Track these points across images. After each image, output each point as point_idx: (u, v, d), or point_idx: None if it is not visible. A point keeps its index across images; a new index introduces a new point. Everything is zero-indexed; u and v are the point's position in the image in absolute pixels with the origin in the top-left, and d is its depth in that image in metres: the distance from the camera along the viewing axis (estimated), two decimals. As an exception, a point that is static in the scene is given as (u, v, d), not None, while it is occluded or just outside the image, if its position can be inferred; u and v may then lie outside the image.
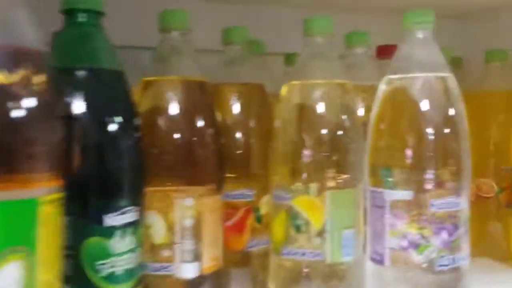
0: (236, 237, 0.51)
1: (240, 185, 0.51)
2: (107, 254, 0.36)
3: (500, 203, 0.72)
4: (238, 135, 0.52)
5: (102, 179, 0.36)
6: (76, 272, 0.35)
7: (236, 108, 0.53)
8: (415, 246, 0.45)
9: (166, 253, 0.43)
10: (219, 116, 0.50)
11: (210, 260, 0.44)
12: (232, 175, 0.51)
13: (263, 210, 0.52)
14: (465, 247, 0.46)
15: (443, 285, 0.45)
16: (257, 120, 0.52)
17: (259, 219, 0.52)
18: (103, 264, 0.35)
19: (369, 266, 0.48)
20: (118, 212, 0.36)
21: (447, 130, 0.47)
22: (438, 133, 0.46)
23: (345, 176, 0.48)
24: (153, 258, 0.43)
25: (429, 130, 0.46)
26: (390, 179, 0.47)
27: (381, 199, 0.47)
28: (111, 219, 0.36)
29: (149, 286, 0.43)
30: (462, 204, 0.46)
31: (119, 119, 0.37)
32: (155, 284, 0.43)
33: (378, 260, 0.47)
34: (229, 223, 0.51)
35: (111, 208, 0.36)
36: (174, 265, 0.43)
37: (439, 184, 0.45)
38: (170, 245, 0.43)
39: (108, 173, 0.36)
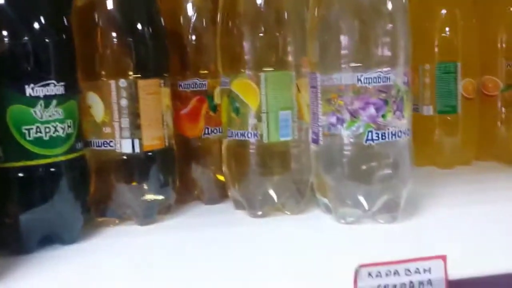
0: (191, 125, 0.55)
1: (193, 76, 0.54)
2: (31, 120, 0.41)
3: (506, 101, 0.69)
4: (191, 27, 0.54)
5: (25, 52, 0.40)
6: (5, 135, 0.40)
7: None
8: (343, 122, 0.46)
9: (107, 130, 0.47)
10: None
11: (150, 139, 0.48)
12: (186, 66, 0.54)
13: (217, 100, 0.54)
14: (398, 123, 0.46)
15: (373, 158, 0.46)
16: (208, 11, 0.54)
17: (213, 108, 0.55)
18: (28, 129, 0.41)
19: (311, 148, 0.50)
20: (40, 84, 0.41)
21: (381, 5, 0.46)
22: (373, 11, 0.46)
23: (280, 59, 0.49)
24: (96, 135, 0.48)
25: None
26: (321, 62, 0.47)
27: (315, 79, 0.48)
28: (33, 90, 0.41)
29: (94, 161, 0.48)
30: (393, 79, 0.45)
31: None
32: (99, 159, 0.48)
33: (314, 140, 0.49)
34: (184, 111, 0.54)
35: (33, 80, 0.41)
36: (115, 141, 0.47)
37: (369, 59, 0.45)
38: (109, 123, 0.47)
39: (31, 44, 0.41)
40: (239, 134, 0.50)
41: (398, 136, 0.46)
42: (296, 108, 0.50)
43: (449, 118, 0.68)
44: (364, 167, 0.46)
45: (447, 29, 0.67)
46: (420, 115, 0.69)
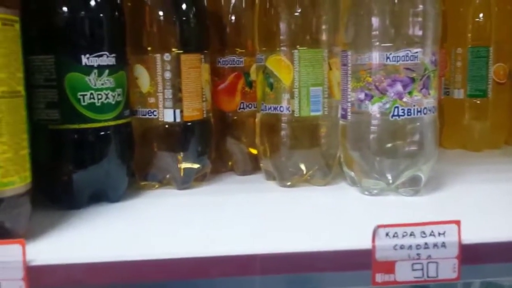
0: (228, 99, 0.58)
1: (231, 53, 0.58)
2: (86, 87, 0.45)
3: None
4: (231, 8, 0.58)
5: (82, 26, 0.45)
6: (61, 99, 0.45)
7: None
8: (370, 97, 0.48)
9: (151, 100, 0.52)
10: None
11: (191, 110, 0.52)
12: (225, 44, 0.58)
13: (254, 76, 0.58)
14: (424, 101, 0.48)
15: (398, 134, 0.49)
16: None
17: (249, 84, 0.58)
18: (83, 95, 0.45)
19: (340, 123, 0.53)
20: (94, 55, 0.45)
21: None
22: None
23: (313, 37, 0.52)
24: (142, 104, 0.52)
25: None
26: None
27: (346, 58, 0.50)
28: (88, 60, 0.45)
29: (139, 129, 0.53)
30: (421, 58, 0.47)
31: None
32: (143, 127, 0.53)
33: (343, 115, 0.51)
34: (222, 86, 0.58)
35: (89, 50, 0.45)
36: (158, 110, 0.52)
37: (398, 39, 0.47)
38: (154, 93, 0.51)
39: (88, 19, 0.45)
40: (272, 108, 0.53)
41: (424, 113, 0.48)
42: (327, 85, 0.53)
43: (479, 102, 0.69)
44: (389, 142, 0.49)
45: (480, 14, 0.68)
46: (451, 98, 0.70)
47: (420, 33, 0.47)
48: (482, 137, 0.70)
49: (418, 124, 0.49)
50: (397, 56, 0.47)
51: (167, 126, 0.52)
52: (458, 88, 0.70)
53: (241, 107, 0.59)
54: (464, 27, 0.69)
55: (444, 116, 0.70)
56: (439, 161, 0.53)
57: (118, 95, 0.48)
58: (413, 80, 0.48)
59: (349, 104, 0.50)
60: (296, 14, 0.52)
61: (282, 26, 0.52)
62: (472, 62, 0.69)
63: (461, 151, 0.71)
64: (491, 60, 0.68)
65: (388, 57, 0.47)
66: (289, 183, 0.54)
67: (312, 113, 0.52)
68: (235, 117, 0.59)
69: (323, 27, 0.52)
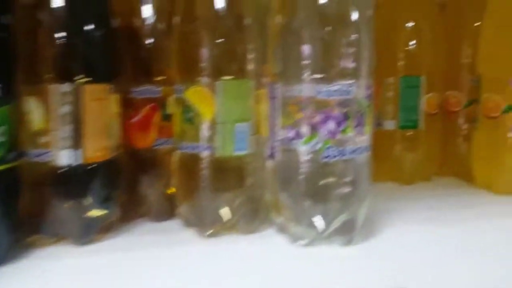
0: (142, 134, 0.51)
1: (147, 82, 0.51)
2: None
3: (468, 117, 0.68)
4: (149, 30, 0.51)
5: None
6: None
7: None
8: (301, 136, 0.43)
9: (44, 139, 0.43)
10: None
11: (94, 150, 0.44)
12: (140, 71, 0.51)
13: (171, 108, 0.51)
14: (358, 140, 0.44)
15: (330, 176, 0.43)
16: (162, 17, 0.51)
17: (166, 117, 0.51)
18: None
19: (267, 164, 0.47)
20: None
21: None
22: (337, 20, 0.43)
23: (239, 67, 0.46)
24: (33, 144, 0.43)
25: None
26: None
27: (275, 90, 0.45)
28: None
29: (31, 172, 0.44)
30: (355, 92, 0.43)
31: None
32: (35, 171, 0.44)
33: (271, 155, 0.46)
34: (135, 119, 0.51)
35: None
36: (52, 152, 0.43)
37: (330, 70, 0.43)
38: (48, 131, 0.43)
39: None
40: (191, 147, 0.47)
41: (358, 153, 0.44)
42: (254, 120, 0.47)
43: (410, 133, 0.67)
44: (320, 185, 0.44)
45: (411, 42, 0.66)
46: (382, 130, 0.67)
47: (353, 64, 0.43)
48: (413, 169, 0.68)
49: (351, 165, 0.44)
50: (329, 90, 0.42)
51: (64, 170, 0.43)
52: (389, 119, 0.67)
53: (157, 143, 0.51)
54: (395, 55, 0.66)
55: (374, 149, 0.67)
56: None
57: (1, 134, 0.39)
58: (347, 116, 0.43)
59: (278, 143, 0.45)
60: (220, 40, 0.46)
61: (204, 53, 0.45)
62: (403, 92, 0.66)
63: (392, 184, 0.68)
64: (423, 90, 0.66)
65: (319, 91, 0.42)
66: (210, 232, 0.47)
67: (237, 152, 0.46)
68: (150, 155, 0.52)
69: (250, 55, 0.46)
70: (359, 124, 0.43)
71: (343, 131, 0.43)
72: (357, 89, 0.43)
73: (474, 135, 0.65)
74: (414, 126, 0.66)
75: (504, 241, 0.47)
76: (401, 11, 0.66)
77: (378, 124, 0.67)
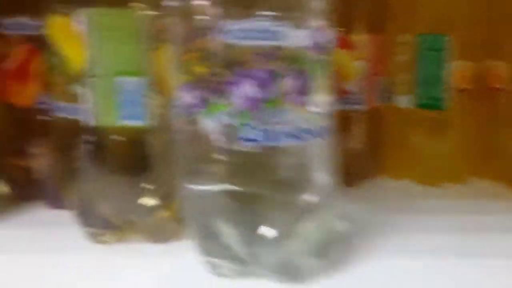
0: (18, 86, 0.36)
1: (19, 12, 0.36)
2: None
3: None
4: None
5: None
6: None
7: None
8: (204, 102, 0.27)
9: None
10: None
11: None
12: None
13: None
14: (299, 115, 0.26)
15: (255, 173, 0.27)
16: None
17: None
18: None
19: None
20: None
21: None
22: None
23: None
24: None
25: None
26: None
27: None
28: None
29: None
30: (290, 37, 0.25)
31: None
32: None
33: (174, 130, 0.30)
34: (7, 65, 0.36)
35: None
36: None
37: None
38: None
39: None
40: (63, 109, 0.32)
41: (299, 137, 0.27)
42: (153, 75, 0.31)
43: (433, 115, 0.48)
44: (242, 184, 0.28)
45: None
46: (394, 107, 0.49)
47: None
48: (438, 165, 0.49)
49: (292, 157, 0.27)
50: (243, 30, 0.25)
51: None
52: (403, 93, 0.48)
53: (41, 101, 0.37)
54: (412, 6, 0.47)
55: (383, 132, 0.49)
56: (369, 201, 0.36)
57: None
58: (275, 75, 0.26)
59: (176, 111, 0.29)
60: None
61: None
62: (422, 56, 0.47)
63: (409, 184, 0.49)
64: (450, 55, 0.47)
65: (228, 30, 0.26)
66: (101, 238, 0.33)
67: (125, 121, 0.31)
68: (31, 117, 0.37)
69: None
70: (301, 92, 0.27)
71: (271, 101, 0.26)
72: (294, 32, 0.26)
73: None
74: (437, 105, 0.47)
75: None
76: None
77: (387, 98, 0.49)
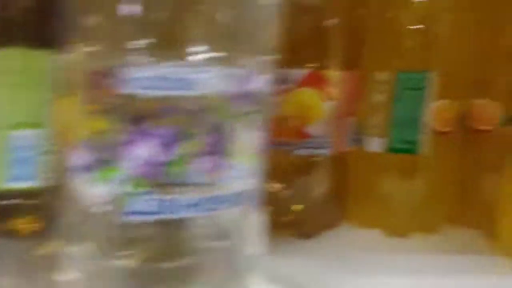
0: None
1: None
2: None
3: (502, 141, 0.43)
4: None
5: None
6: None
7: None
8: (98, 165, 0.22)
9: None
10: None
11: None
12: None
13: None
14: (217, 181, 0.22)
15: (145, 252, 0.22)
16: None
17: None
18: None
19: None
20: None
21: None
22: None
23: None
24: None
25: None
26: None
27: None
28: None
29: None
30: (209, 85, 0.21)
31: None
32: None
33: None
34: None
35: None
36: None
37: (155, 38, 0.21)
38: None
39: None
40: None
41: (213, 209, 0.22)
42: (54, 127, 0.26)
43: (407, 159, 0.43)
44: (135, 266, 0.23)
45: (419, 24, 0.42)
46: (363, 152, 0.44)
47: (204, 28, 0.21)
48: (410, 214, 0.44)
49: (198, 229, 0.22)
50: (150, 78, 0.21)
51: None
52: (375, 135, 0.44)
53: None
54: (393, 38, 0.43)
55: (350, 178, 0.44)
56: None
57: None
58: (183, 133, 0.21)
59: (70, 173, 0.24)
60: None
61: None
62: (400, 95, 0.43)
63: (378, 234, 0.44)
64: (430, 94, 0.42)
65: (130, 80, 0.21)
66: None
67: (14, 183, 0.26)
68: None
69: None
70: (217, 151, 0.22)
71: (174, 164, 0.21)
72: (215, 80, 0.21)
73: (506, 171, 0.41)
74: (412, 149, 0.42)
75: None
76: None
77: (356, 141, 0.44)
